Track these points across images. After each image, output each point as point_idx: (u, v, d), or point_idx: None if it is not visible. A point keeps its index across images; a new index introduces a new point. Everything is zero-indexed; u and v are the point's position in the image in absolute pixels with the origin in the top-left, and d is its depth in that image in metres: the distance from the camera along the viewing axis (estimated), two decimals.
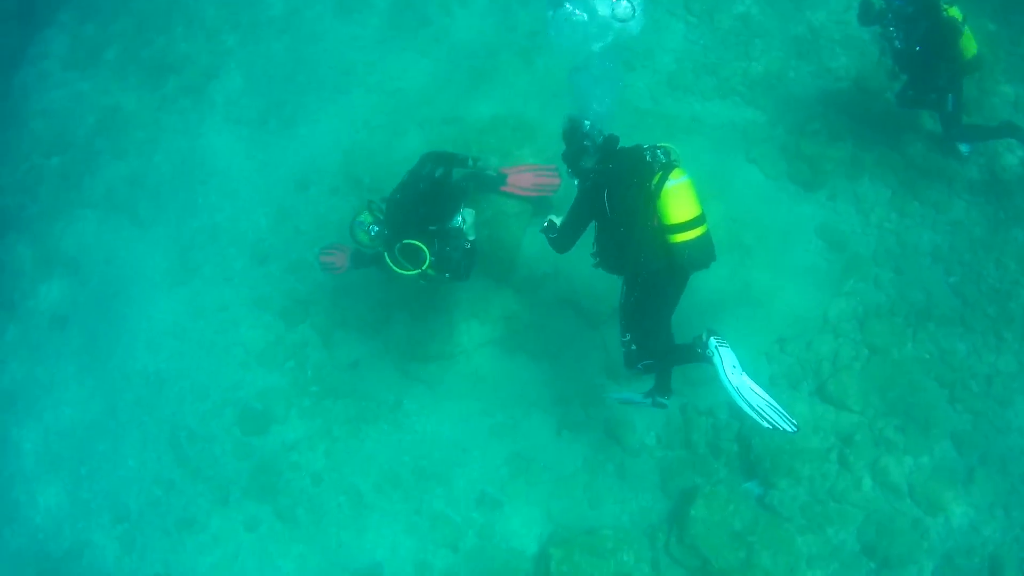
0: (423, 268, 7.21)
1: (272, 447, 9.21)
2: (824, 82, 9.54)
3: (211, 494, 9.28)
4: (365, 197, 8.69)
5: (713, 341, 6.10)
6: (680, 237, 5.89)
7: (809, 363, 8.38)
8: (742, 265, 8.69)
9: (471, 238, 7.66)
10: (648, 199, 5.87)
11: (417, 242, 7.16)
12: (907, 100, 8.35)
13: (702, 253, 6.02)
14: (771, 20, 10.02)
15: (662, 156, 6.01)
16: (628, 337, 6.56)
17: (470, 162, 8.17)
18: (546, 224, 6.64)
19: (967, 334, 8.25)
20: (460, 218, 7.63)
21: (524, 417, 8.82)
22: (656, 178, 5.85)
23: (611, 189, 6.01)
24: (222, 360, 9.68)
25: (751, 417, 6.14)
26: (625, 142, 6.38)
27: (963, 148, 8.59)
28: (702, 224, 5.95)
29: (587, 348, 8.78)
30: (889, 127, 8.99)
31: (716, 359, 6.09)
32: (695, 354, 6.25)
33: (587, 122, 6.20)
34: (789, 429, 6.14)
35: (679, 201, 5.85)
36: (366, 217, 7.46)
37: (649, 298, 6.32)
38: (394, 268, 7.27)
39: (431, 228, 7.40)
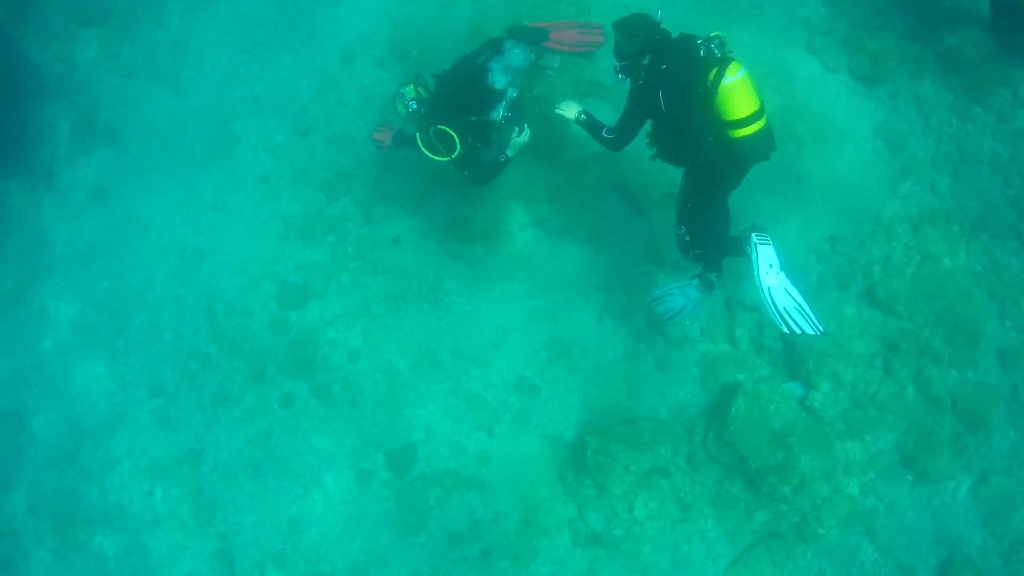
0: (451, 157, 7.21)
1: (309, 323, 9.36)
2: None
3: (247, 369, 9.48)
4: (412, 71, 8.62)
5: (755, 237, 6.22)
6: (740, 132, 5.91)
7: (859, 264, 8.33)
8: (795, 158, 8.53)
9: (510, 154, 7.56)
10: (705, 97, 5.87)
11: (451, 130, 7.11)
12: (1003, 30, 8.11)
13: (763, 146, 6.08)
14: None
15: (716, 50, 5.94)
16: (683, 229, 6.71)
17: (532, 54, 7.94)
18: (583, 117, 6.70)
19: (1021, 249, 8.14)
20: (516, 129, 7.51)
21: (566, 301, 8.87)
22: (712, 74, 5.83)
23: (666, 89, 6.00)
24: (261, 233, 9.78)
25: (773, 319, 6.23)
26: (682, 28, 6.33)
27: None
28: (761, 117, 5.96)
29: (633, 234, 8.76)
30: (958, 29, 8.65)
31: (753, 256, 6.24)
32: (740, 247, 6.40)
33: (660, 11, 6.15)
34: (811, 332, 6.22)
35: (738, 97, 5.84)
36: (409, 91, 7.45)
37: (707, 188, 6.41)
38: (423, 149, 7.29)
39: (471, 119, 7.30)
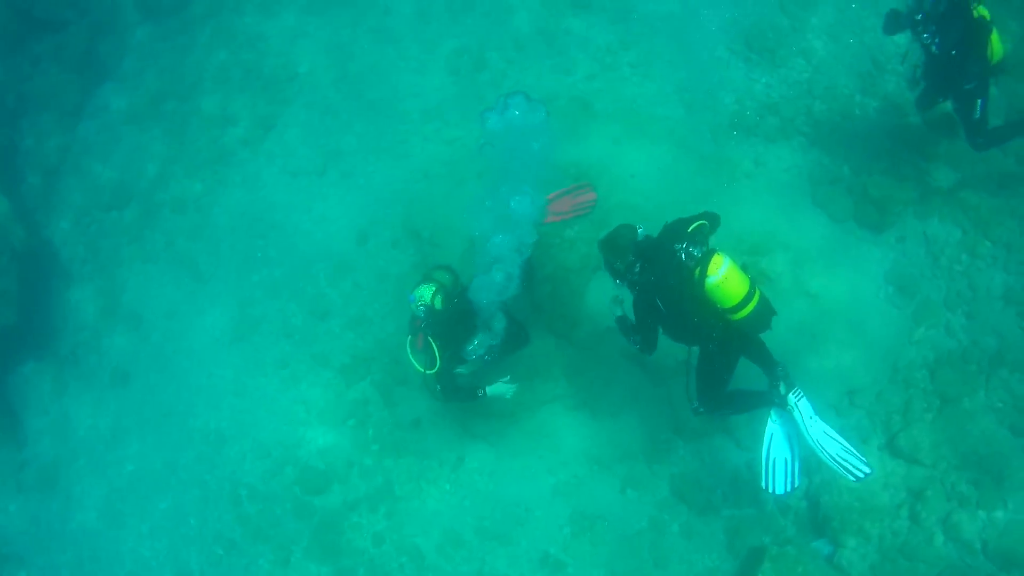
0: (429, 371, 7.67)
1: (333, 506, 9.58)
2: (890, 118, 9.58)
3: (272, 554, 9.67)
4: (424, 250, 9.12)
5: (792, 397, 6.73)
6: (739, 315, 6.38)
7: (879, 416, 8.45)
8: (809, 314, 8.81)
9: (489, 393, 8.06)
10: (695, 295, 6.37)
11: (436, 346, 7.57)
12: (926, 103, 8.47)
13: (763, 319, 6.55)
14: (834, 55, 10.13)
15: (696, 252, 6.39)
16: (696, 404, 7.04)
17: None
18: (620, 315, 7.11)
19: None
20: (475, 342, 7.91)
21: (588, 475, 9.04)
22: (696, 274, 6.30)
23: (660, 295, 6.49)
24: (283, 418, 10.10)
25: (832, 468, 6.74)
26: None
27: None
28: (755, 295, 6.40)
29: (651, 404, 8.98)
30: (960, 163, 9.02)
31: (796, 415, 6.72)
32: (770, 401, 6.81)
33: (640, 229, 6.63)
34: (866, 471, 6.82)
35: (727, 289, 6.33)
36: (426, 293, 7.76)
37: (723, 362, 6.82)
38: (409, 352, 7.81)
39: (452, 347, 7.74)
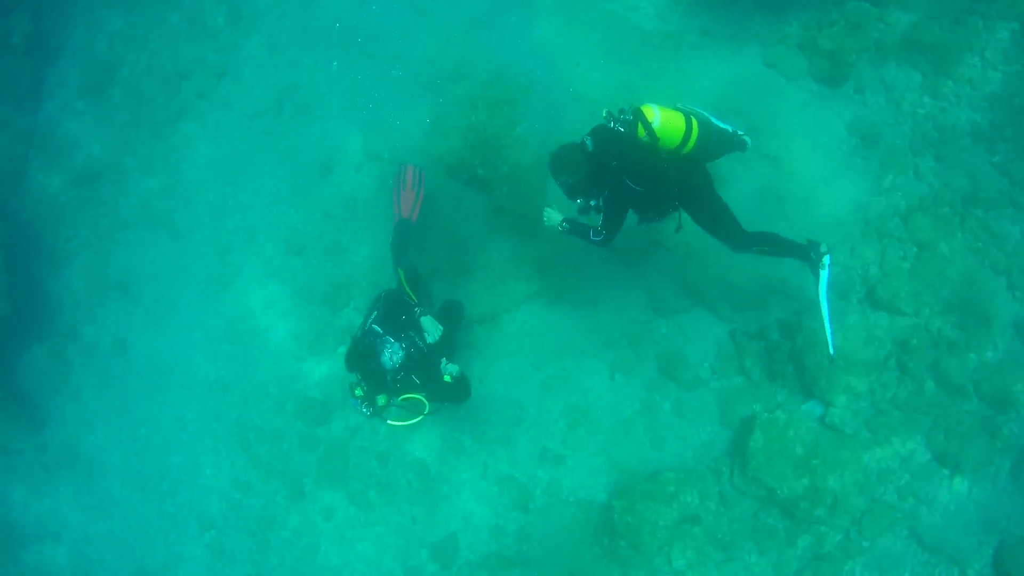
0: (425, 413, 7.97)
1: (336, 434, 10.22)
2: None
3: (286, 489, 10.37)
4: (386, 170, 9.70)
5: (828, 258, 7.27)
6: (690, 145, 6.98)
7: (856, 269, 8.71)
8: (772, 178, 9.04)
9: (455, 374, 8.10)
10: (654, 148, 6.89)
11: (414, 395, 7.90)
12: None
13: (711, 139, 7.18)
14: None
15: (625, 115, 6.89)
16: (740, 244, 7.44)
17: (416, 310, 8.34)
18: (566, 226, 7.45)
19: (1019, 214, 8.40)
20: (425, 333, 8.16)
21: (575, 367, 9.52)
22: (641, 131, 6.81)
23: (628, 174, 6.85)
24: (276, 356, 10.70)
25: (826, 327, 7.41)
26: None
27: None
28: (692, 120, 6.97)
29: (628, 287, 9.38)
30: (911, 4, 9.09)
31: (825, 273, 7.30)
32: (804, 254, 7.36)
33: (587, 139, 6.91)
34: (832, 353, 7.56)
35: (670, 127, 6.89)
36: (359, 392, 7.87)
37: (708, 203, 7.30)
38: (400, 424, 8.15)
39: (400, 376, 7.92)
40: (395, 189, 9.46)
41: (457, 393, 8.09)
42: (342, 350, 10.20)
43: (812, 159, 9.10)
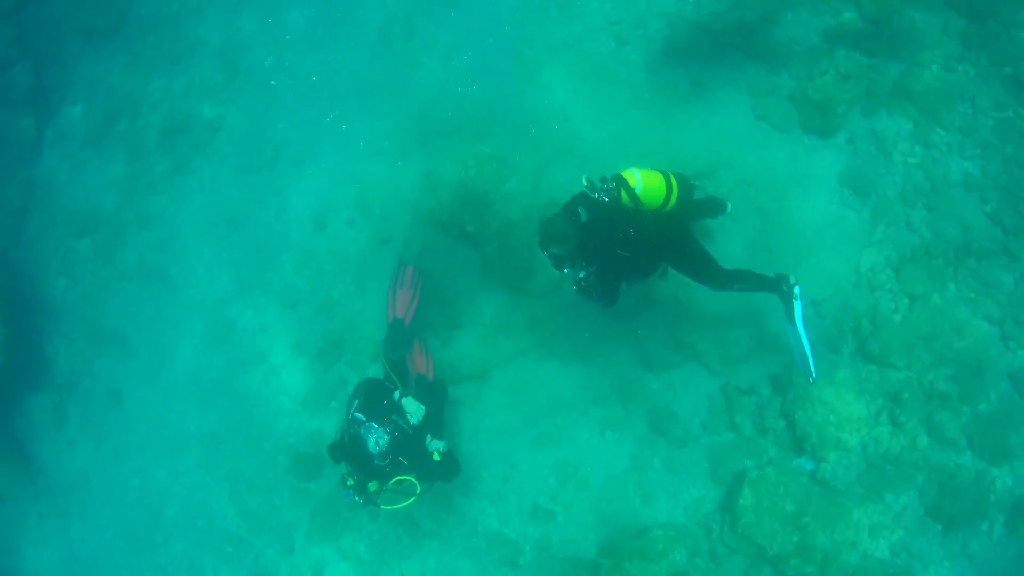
0: (417, 494, 8.10)
1: (327, 489, 10.28)
2: (826, 20, 9.62)
3: (277, 544, 10.47)
4: (377, 226, 9.92)
5: (798, 288, 7.44)
6: (672, 202, 7.18)
7: (847, 323, 8.69)
8: (763, 231, 9.08)
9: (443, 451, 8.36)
10: (638, 211, 7.05)
11: (405, 476, 8.04)
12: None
13: (689, 191, 7.44)
14: None
15: (607, 184, 7.01)
16: (720, 286, 7.63)
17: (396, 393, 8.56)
18: (575, 283, 7.42)
19: (1012, 264, 8.37)
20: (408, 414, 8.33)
21: (566, 423, 9.58)
22: (624, 197, 6.98)
23: (616, 244, 6.96)
24: (269, 410, 10.84)
25: (807, 358, 7.55)
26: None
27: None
28: (671, 177, 7.16)
29: (618, 343, 9.44)
30: (899, 52, 9.15)
31: (797, 304, 7.45)
32: (776, 287, 7.53)
33: (581, 210, 6.98)
34: (814, 377, 7.64)
35: (651, 188, 7.08)
36: (350, 482, 8.10)
37: (692, 246, 7.48)
38: (395, 508, 8.24)
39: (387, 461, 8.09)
40: (392, 288, 9.67)
41: (446, 470, 8.25)
42: (334, 404, 10.40)
43: (803, 211, 9.12)
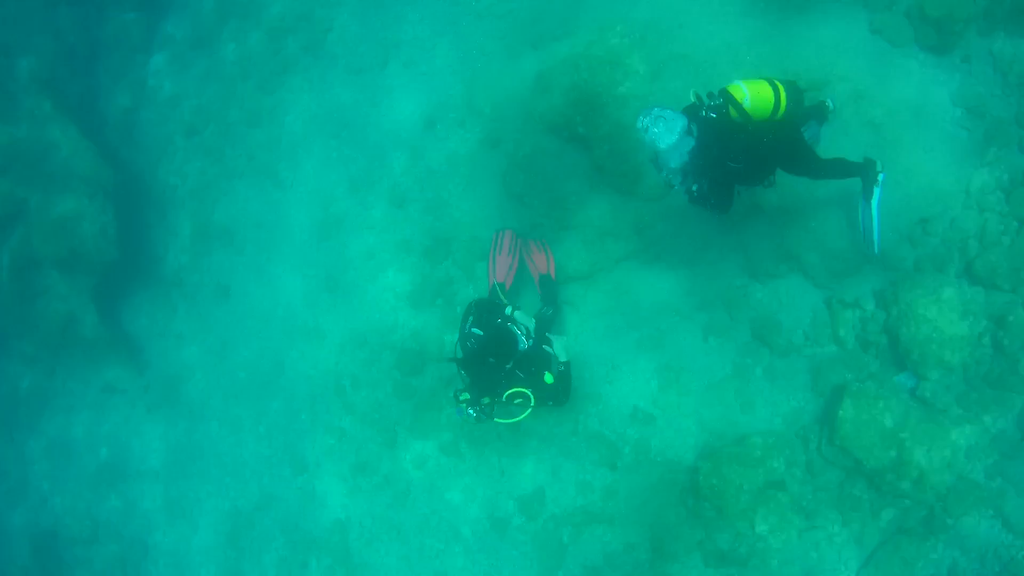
0: (532, 407, 8.16)
1: (430, 385, 10.59)
2: None
3: (379, 437, 10.84)
4: (487, 127, 10.09)
5: (883, 176, 7.93)
6: (782, 111, 7.24)
7: (954, 242, 8.63)
8: (875, 145, 8.96)
9: (563, 360, 8.54)
10: (747, 126, 7.14)
11: (520, 388, 8.07)
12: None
13: (798, 100, 7.44)
14: None
15: (714, 100, 7.10)
16: (824, 175, 8.06)
17: (507, 308, 8.65)
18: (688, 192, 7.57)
19: None
20: (547, 348, 8.51)
21: (669, 327, 9.70)
22: (733, 112, 7.07)
23: (728, 157, 7.13)
24: (375, 306, 11.15)
25: (875, 234, 8.12)
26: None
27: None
28: (779, 88, 7.20)
29: (725, 250, 9.50)
30: None
31: (877, 189, 7.96)
32: (863, 170, 7.96)
33: (693, 125, 7.04)
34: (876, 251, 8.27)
35: (760, 100, 7.13)
36: (464, 396, 8.19)
37: (802, 154, 7.67)
38: (510, 421, 8.36)
39: (507, 367, 8.18)
40: (491, 253, 9.88)
41: (558, 394, 8.34)
42: (439, 302, 10.63)
43: (915, 128, 9.03)
